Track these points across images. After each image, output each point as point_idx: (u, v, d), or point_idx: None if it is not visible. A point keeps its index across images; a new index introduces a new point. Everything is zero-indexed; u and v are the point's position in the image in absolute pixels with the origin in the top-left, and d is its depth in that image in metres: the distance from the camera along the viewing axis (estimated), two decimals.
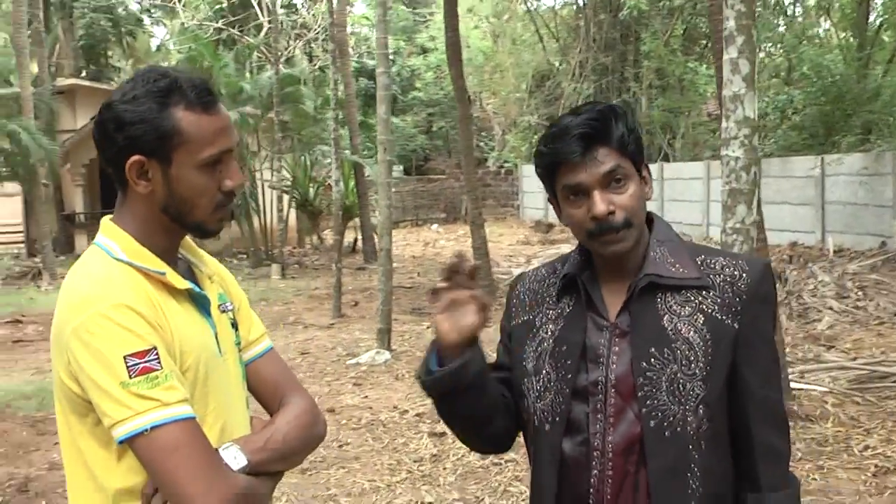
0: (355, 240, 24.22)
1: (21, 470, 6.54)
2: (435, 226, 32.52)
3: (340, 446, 7.10)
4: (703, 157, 25.56)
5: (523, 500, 5.70)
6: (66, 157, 22.99)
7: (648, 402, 1.82)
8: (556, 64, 31.69)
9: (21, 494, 6.07)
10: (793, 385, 7.48)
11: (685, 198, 23.73)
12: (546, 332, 1.98)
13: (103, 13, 31.59)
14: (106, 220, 1.85)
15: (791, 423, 6.65)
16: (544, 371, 1.95)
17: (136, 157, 1.74)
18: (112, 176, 1.81)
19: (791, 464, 1.96)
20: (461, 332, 1.88)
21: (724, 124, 4.87)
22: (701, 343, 1.84)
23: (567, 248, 21.50)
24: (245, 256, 23.31)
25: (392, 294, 11.09)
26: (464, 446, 6.89)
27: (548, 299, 2.03)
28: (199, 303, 1.86)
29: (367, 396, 8.73)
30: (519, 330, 2.05)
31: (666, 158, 26.97)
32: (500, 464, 6.38)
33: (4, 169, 21.60)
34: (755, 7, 5.59)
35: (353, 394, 8.87)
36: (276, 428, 1.87)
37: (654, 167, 25.67)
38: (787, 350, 9.04)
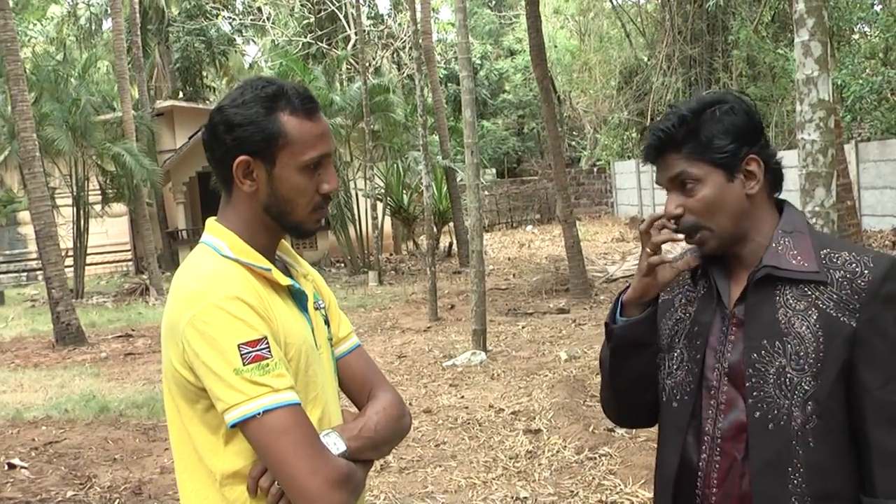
0: (450, 244, 24.41)
1: (135, 474, 6.85)
2: (530, 227, 32.46)
3: (437, 445, 7.22)
4: (797, 146, 24.89)
5: (617, 493, 5.73)
6: (167, 176, 23.74)
7: (755, 393, 1.84)
8: (644, 59, 31.40)
9: (135, 497, 6.37)
10: None
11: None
12: (684, 313, 2.03)
13: (197, 36, 32.51)
14: (211, 221, 1.98)
15: None
16: (677, 350, 2.01)
17: (242, 157, 1.87)
18: (218, 176, 1.94)
19: None
20: (654, 288, 1.99)
21: (798, 108, 4.86)
22: (812, 339, 1.82)
23: None
24: (342, 264, 23.72)
25: (486, 295, 11.16)
26: (558, 442, 6.89)
27: (689, 281, 2.07)
28: (298, 299, 1.98)
29: (463, 396, 8.84)
30: (660, 308, 2.09)
31: None
32: (595, 458, 6.42)
33: (111, 190, 22.44)
34: None
35: (449, 394, 8.99)
36: (367, 418, 1.98)
37: None
38: None
